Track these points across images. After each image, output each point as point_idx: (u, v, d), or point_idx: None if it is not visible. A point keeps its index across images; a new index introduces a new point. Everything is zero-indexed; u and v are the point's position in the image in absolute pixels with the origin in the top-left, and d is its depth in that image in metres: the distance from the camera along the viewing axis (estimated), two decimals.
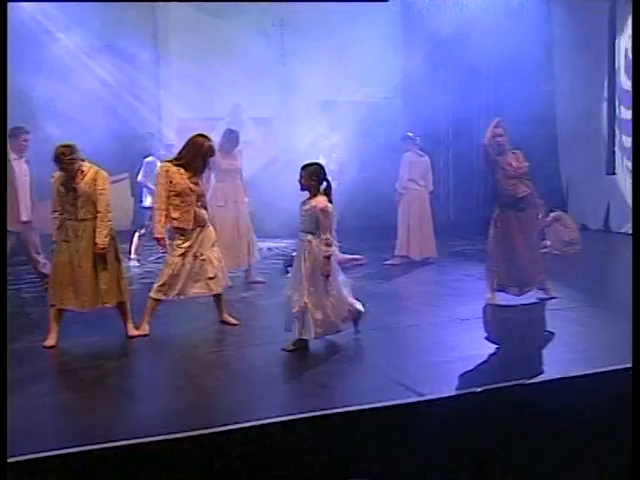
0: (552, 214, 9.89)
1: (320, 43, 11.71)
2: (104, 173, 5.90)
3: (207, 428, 4.01)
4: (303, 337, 5.48)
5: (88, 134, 8.91)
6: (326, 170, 11.13)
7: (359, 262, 9.12)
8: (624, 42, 11.04)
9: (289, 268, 8.55)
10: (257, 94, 12.32)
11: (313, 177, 5.52)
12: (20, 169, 7.43)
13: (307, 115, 12.49)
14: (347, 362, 5.28)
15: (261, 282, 8.07)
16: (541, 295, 6.94)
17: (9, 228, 7.36)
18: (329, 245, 5.48)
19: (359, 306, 5.81)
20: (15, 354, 5.67)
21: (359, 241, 9.90)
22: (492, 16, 11.46)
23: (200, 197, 6.15)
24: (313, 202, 5.49)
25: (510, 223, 6.77)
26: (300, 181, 5.54)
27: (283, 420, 4.00)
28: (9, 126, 7.61)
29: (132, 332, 6.00)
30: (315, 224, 5.47)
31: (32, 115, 9.63)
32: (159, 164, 6.24)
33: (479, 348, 5.51)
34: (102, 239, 5.71)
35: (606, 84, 11.01)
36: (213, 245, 6.23)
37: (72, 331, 5.96)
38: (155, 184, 9.26)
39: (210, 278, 6.15)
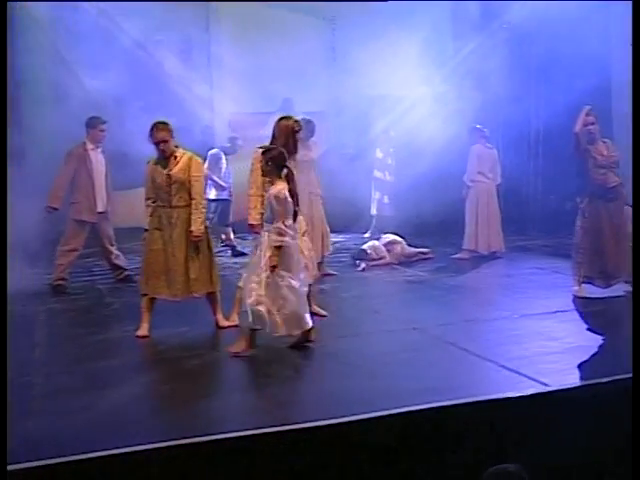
0: None
1: (372, 37, 11.63)
2: (198, 159, 5.83)
3: (342, 416, 3.91)
4: (255, 328, 5.12)
5: (142, 127, 8.90)
6: (383, 164, 11.15)
7: (426, 256, 9.00)
8: None
9: (358, 261, 8.56)
10: (308, 88, 12.25)
11: (269, 162, 5.23)
12: (97, 159, 7.41)
13: (358, 109, 12.44)
14: (453, 352, 5.16)
15: (333, 274, 7.96)
16: (628, 288, 6.78)
17: (85, 218, 7.36)
18: (281, 234, 5.09)
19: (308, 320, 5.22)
20: (108, 344, 5.65)
21: (422, 235, 9.75)
22: (544, 11, 11.32)
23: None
24: (271, 189, 5.25)
25: (599, 214, 6.62)
26: (261, 167, 5.33)
27: (420, 409, 3.90)
28: (85, 117, 7.63)
29: (223, 322, 5.91)
30: (271, 212, 5.17)
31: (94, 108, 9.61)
32: (256, 151, 6.07)
33: (585, 339, 5.39)
34: (198, 227, 5.63)
35: None
36: (303, 234, 6.11)
37: (158, 321, 5.85)
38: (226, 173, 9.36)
39: None
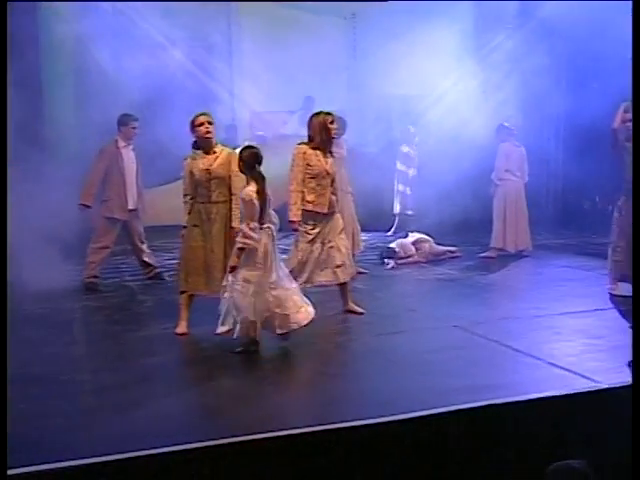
0: None
1: (392, 35, 11.62)
2: (237, 155, 5.80)
3: (386, 415, 3.87)
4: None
5: (165, 125, 8.94)
6: (407, 158, 11.04)
7: (454, 254, 8.97)
8: None
9: (387, 259, 8.53)
10: (329, 87, 12.24)
11: (240, 162, 5.22)
12: (128, 157, 7.38)
13: (379, 108, 12.43)
14: (498, 350, 5.11)
15: (364, 272, 7.91)
16: None
17: (116, 216, 7.34)
18: (245, 237, 5.04)
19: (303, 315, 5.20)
20: (147, 342, 5.61)
21: (445, 234, 9.65)
22: (576, 8, 11.25)
23: (333, 181, 6.01)
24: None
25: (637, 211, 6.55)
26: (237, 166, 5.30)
27: (473, 407, 3.86)
28: (111, 113, 7.62)
29: None
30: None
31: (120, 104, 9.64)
32: (296, 147, 6.05)
33: (630, 338, 5.31)
34: (239, 223, 5.59)
35: None
36: (341, 232, 6.10)
37: (195, 318, 5.78)
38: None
39: (338, 266, 6.01)
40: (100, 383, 4.60)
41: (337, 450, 3.81)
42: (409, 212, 10.92)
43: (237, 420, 4.05)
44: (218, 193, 5.62)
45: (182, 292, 5.76)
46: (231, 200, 5.61)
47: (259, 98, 12.03)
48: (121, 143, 7.34)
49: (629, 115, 6.52)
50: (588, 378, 4.39)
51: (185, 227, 5.74)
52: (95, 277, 7.35)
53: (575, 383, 4.30)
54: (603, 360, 4.78)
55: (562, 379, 4.40)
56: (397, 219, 11.05)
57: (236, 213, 5.59)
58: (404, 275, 8.05)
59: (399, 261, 8.51)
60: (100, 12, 10.27)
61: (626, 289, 6.59)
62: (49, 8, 10.10)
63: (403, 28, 11.60)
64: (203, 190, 5.62)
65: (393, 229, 10.93)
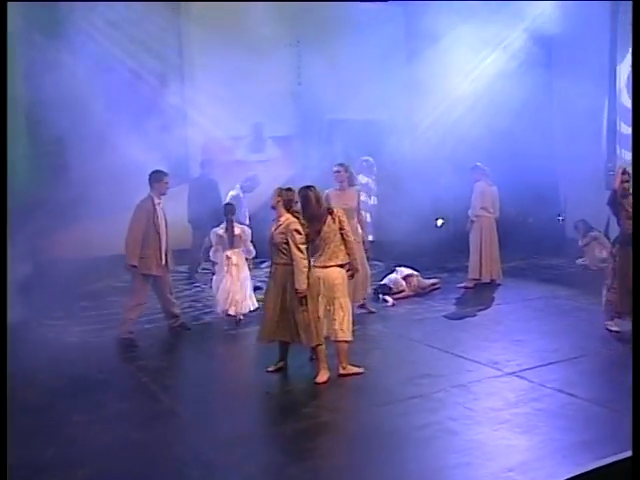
0: (590, 234, 10.92)
1: (334, 62, 12.21)
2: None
3: None
4: None
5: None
6: (367, 188, 11.58)
7: (436, 287, 9.72)
8: (625, 69, 11.85)
9: (382, 296, 9.09)
10: (276, 113, 12.65)
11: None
12: (161, 213, 7.45)
13: (321, 133, 12.97)
14: (571, 403, 5.64)
15: (373, 312, 8.51)
16: None
17: (154, 273, 7.43)
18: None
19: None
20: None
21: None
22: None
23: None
24: None
25: (628, 258, 7.56)
26: None
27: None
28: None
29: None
30: None
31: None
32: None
33: None
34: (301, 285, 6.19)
35: (606, 104, 11.95)
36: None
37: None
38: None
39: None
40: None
41: None
42: (369, 238, 11.51)
43: None
44: (277, 256, 6.18)
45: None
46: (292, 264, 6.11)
47: (209, 125, 12.19)
48: (156, 200, 7.40)
49: (625, 177, 7.50)
50: None
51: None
52: (131, 332, 7.41)
53: None
54: None
55: None
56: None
57: (299, 277, 6.04)
58: (407, 313, 8.63)
59: (394, 296, 9.13)
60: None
61: (620, 325, 7.61)
62: None
63: (347, 56, 12.19)
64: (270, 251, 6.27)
65: None
